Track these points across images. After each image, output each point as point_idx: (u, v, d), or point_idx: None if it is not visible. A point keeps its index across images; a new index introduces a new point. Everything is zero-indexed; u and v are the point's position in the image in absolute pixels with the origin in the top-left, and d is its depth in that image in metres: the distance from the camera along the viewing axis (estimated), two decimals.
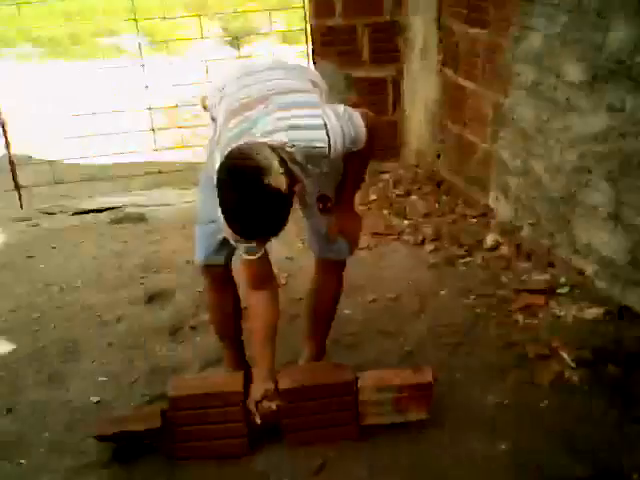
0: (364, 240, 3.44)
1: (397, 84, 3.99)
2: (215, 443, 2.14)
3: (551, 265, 3.06)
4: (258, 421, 2.10)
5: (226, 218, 1.77)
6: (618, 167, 2.59)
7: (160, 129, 4.34)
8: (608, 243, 2.72)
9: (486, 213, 3.53)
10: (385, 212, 3.74)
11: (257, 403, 2.11)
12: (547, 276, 3.02)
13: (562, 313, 2.77)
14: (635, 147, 2.50)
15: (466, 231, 3.45)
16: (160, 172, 4.27)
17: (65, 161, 4.46)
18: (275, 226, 1.78)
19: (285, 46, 7.68)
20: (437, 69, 3.77)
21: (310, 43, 3.98)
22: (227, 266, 2.33)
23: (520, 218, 3.25)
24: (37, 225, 3.87)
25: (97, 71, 5.31)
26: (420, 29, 3.80)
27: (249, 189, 1.68)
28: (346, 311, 2.84)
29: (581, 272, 2.90)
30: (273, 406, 2.12)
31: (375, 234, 3.51)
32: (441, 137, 3.87)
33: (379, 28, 3.88)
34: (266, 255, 2.08)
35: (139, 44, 4.65)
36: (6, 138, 3.99)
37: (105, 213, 3.97)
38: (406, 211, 3.72)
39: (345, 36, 3.87)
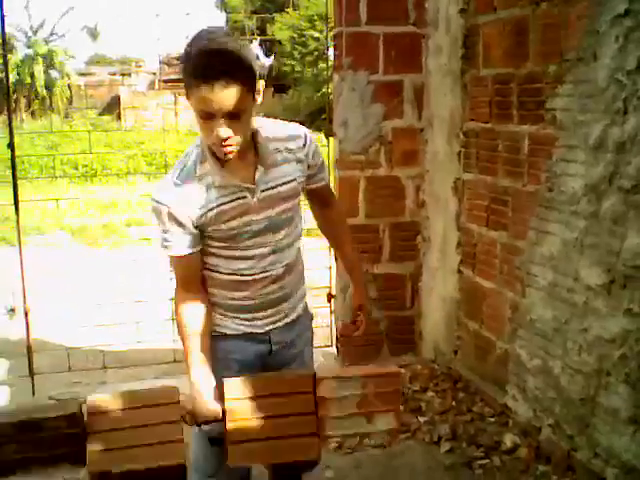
0: (377, 438, 3.40)
1: (415, 280, 4.11)
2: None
3: (571, 469, 2.99)
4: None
5: (187, 62, 1.76)
6: (637, 370, 2.60)
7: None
8: (629, 448, 2.67)
9: (504, 412, 3.49)
10: (400, 408, 3.70)
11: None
12: None
13: None
14: None
15: (483, 431, 3.41)
16: (175, 361, 4.30)
17: (82, 347, 4.52)
18: (238, 61, 1.76)
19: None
20: (455, 268, 3.90)
21: None
22: None
23: (539, 419, 3.21)
24: None
25: (123, 259, 5.50)
26: (440, 230, 3.98)
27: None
28: None
29: (601, 477, 2.82)
30: (217, 410, 1.86)
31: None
32: (458, 334, 3.92)
33: (400, 227, 4.05)
34: (197, 258, 2.00)
35: None
36: (27, 325, 4.06)
37: None
38: (422, 408, 3.69)
39: (367, 234, 4.04)
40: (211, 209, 1.92)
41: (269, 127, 1.99)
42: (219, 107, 1.75)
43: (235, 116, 1.78)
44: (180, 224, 1.92)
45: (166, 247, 1.97)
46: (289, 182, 2.01)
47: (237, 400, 1.82)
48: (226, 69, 1.72)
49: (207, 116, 1.78)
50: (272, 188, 1.97)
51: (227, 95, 1.74)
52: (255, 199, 1.95)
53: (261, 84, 1.86)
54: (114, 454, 1.72)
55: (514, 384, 3.40)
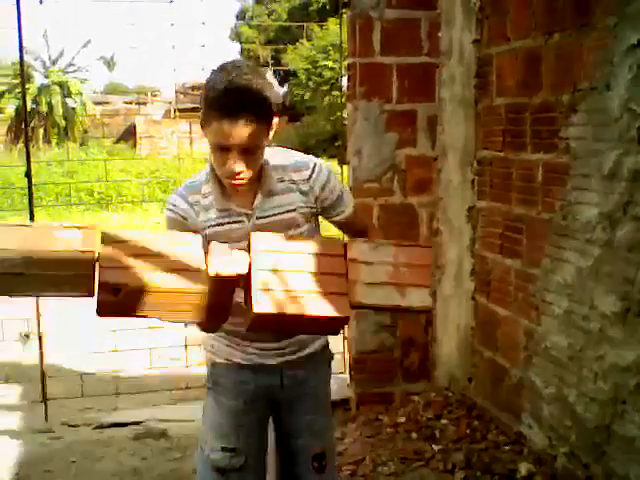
0: (390, 466, 3.39)
1: (430, 311, 4.10)
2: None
3: None
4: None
5: (208, 95, 1.80)
6: None
7: (193, 345, 4.43)
8: None
9: (519, 440, 3.47)
10: (414, 436, 3.70)
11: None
12: None
13: None
14: None
15: (498, 459, 3.38)
16: (188, 387, 4.30)
17: (95, 373, 4.55)
18: (261, 100, 1.81)
19: None
20: (470, 295, 3.91)
21: None
22: None
23: (554, 447, 3.19)
24: (59, 438, 3.85)
25: None
26: (454, 257, 3.99)
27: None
28: None
29: None
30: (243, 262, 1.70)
31: (403, 459, 3.45)
32: (473, 361, 3.92)
33: None
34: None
35: None
36: (41, 350, 4.09)
37: (128, 428, 3.95)
38: (436, 435, 3.68)
39: None
40: (208, 227, 1.97)
41: (279, 156, 2.02)
42: (236, 142, 1.81)
43: (250, 151, 1.84)
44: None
45: None
46: (288, 211, 2.01)
47: (264, 252, 1.72)
48: (249, 107, 1.78)
49: (223, 149, 1.84)
50: (270, 216, 1.99)
51: (246, 132, 1.79)
52: (251, 224, 1.97)
53: (275, 121, 1.91)
54: (128, 272, 1.61)
55: (529, 412, 3.38)
